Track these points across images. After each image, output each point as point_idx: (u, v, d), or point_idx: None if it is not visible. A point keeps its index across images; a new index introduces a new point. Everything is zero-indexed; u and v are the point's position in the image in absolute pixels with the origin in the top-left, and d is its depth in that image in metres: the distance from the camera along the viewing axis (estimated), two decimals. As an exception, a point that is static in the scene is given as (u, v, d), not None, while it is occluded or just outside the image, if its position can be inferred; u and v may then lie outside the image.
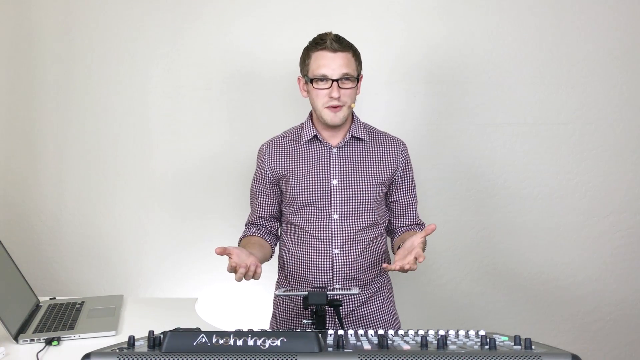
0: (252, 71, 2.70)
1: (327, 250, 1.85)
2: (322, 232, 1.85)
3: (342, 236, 1.85)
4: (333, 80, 1.76)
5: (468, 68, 2.65)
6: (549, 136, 2.66)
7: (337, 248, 1.85)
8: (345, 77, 1.78)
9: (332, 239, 1.85)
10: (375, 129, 1.97)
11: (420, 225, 2.02)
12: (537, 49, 2.63)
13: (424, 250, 1.66)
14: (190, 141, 2.76)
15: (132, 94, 2.75)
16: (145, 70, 2.74)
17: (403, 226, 1.99)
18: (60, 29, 2.75)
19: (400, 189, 1.95)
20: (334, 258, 1.85)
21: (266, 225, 1.98)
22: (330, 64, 1.77)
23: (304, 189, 1.85)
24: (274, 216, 1.97)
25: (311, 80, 1.79)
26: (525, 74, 2.64)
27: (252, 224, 1.99)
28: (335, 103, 1.78)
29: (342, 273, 1.85)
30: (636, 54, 2.61)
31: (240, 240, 1.98)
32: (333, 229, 1.84)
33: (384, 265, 1.65)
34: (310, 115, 1.92)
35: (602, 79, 2.63)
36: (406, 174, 1.96)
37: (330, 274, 1.85)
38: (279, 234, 2.02)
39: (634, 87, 2.62)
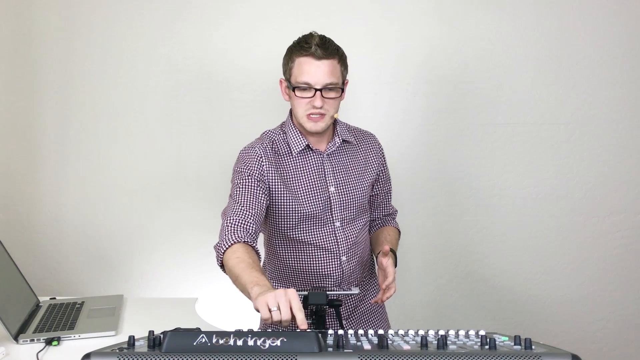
0: (252, 71, 2.70)
1: (334, 258, 1.81)
2: (328, 241, 1.81)
3: (347, 241, 1.82)
4: (316, 90, 1.68)
5: (468, 68, 2.65)
6: (549, 136, 2.66)
7: (344, 254, 1.82)
8: (329, 87, 1.69)
9: (338, 247, 1.81)
10: (350, 125, 1.93)
11: (391, 215, 2.02)
12: (537, 49, 2.63)
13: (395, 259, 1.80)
14: (190, 141, 2.76)
15: (133, 94, 2.75)
16: (145, 70, 2.74)
17: (377, 218, 2.00)
18: (60, 29, 2.75)
19: (379, 181, 1.96)
20: (342, 265, 1.82)
21: (255, 231, 1.64)
22: (315, 71, 1.67)
23: (305, 201, 1.78)
24: (262, 224, 1.73)
25: (293, 88, 1.71)
26: (525, 74, 2.64)
27: (241, 225, 1.61)
28: (317, 111, 1.70)
29: (348, 277, 1.84)
30: (636, 54, 2.61)
31: (228, 248, 1.55)
32: (338, 237, 1.81)
33: (373, 301, 1.74)
34: (291, 120, 1.82)
35: (602, 79, 2.63)
36: (385, 167, 1.97)
37: (339, 280, 1.83)
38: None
39: (634, 87, 2.62)
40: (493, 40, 2.64)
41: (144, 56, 2.73)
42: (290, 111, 1.82)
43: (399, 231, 2.02)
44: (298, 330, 1.21)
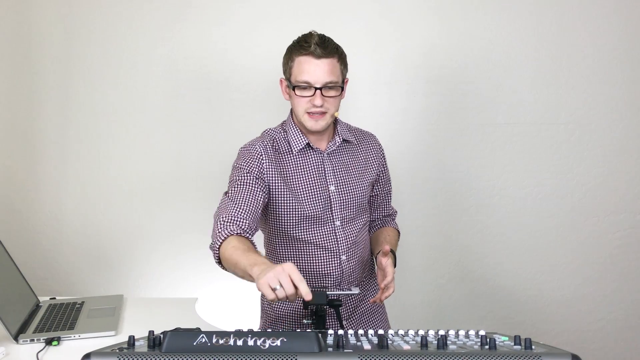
0: (252, 71, 2.70)
1: (334, 257, 1.81)
2: (328, 240, 1.81)
3: (347, 241, 1.82)
4: (316, 88, 1.68)
5: (468, 68, 2.65)
6: (549, 136, 2.66)
7: (344, 254, 1.82)
8: (329, 86, 1.70)
9: (338, 246, 1.81)
10: (351, 125, 1.94)
11: (390, 215, 2.03)
12: (537, 49, 2.63)
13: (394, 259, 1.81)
14: (190, 141, 2.76)
15: (133, 94, 2.75)
16: (145, 70, 2.74)
17: (377, 218, 2.01)
18: (60, 29, 2.75)
19: (379, 182, 1.96)
20: (342, 264, 1.82)
21: (249, 227, 1.62)
22: (315, 70, 1.67)
23: (305, 200, 1.78)
24: (257, 221, 1.69)
25: (293, 87, 1.72)
26: (525, 74, 2.64)
27: (234, 222, 1.60)
28: (317, 110, 1.71)
29: (348, 277, 1.84)
30: (636, 54, 2.61)
31: (223, 240, 1.56)
32: (338, 236, 1.82)
33: (371, 301, 1.74)
34: (292, 118, 1.83)
35: (602, 79, 2.63)
36: (385, 168, 1.98)
37: (339, 280, 1.83)
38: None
39: (634, 87, 2.62)
40: (493, 40, 2.64)
41: (144, 56, 2.73)
42: (291, 110, 1.82)
43: (399, 232, 2.03)
44: (298, 330, 1.21)
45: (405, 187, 2.66)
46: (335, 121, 1.84)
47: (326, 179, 1.81)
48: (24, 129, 2.80)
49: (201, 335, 1.02)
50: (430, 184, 2.70)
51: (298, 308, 1.86)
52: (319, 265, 1.81)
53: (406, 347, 1.07)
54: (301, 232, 1.80)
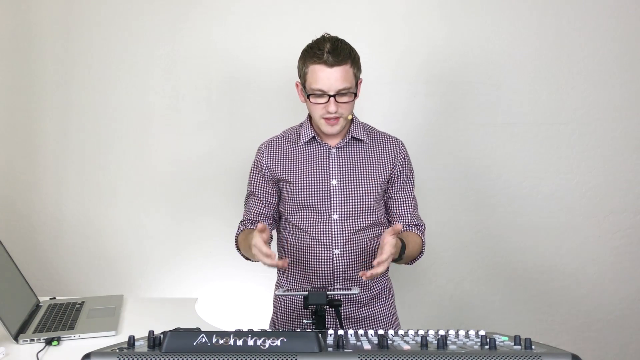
0: (252, 71, 2.70)
1: (327, 250, 1.84)
2: (322, 232, 1.84)
3: (342, 236, 1.84)
4: (330, 96, 1.74)
5: (468, 68, 2.65)
6: (549, 136, 2.66)
7: (337, 248, 1.84)
8: (342, 92, 1.75)
9: (332, 239, 1.84)
10: (375, 128, 1.96)
11: (417, 226, 1.95)
12: (537, 49, 2.63)
13: (404, 251, 1.73)
14: (190, 141, 2.76)
15: (132, 94, 2.76)
16: (145, 70, 2.74)
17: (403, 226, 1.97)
18: (60, 29, 2.75)
19: (395, 185, 1.92)
20: (334, 258, 1.84)
21: (264, 221, 1.93)
22: (328, 77, 1.73)
23: (304, 189, 1.84)
24: (272, 216, 1.94)
25: (308, 95, 1.78)
26: (525, 74, 2.64)
27: (249, 221, 1.93)
28: (331, 116, 1.77)
29: (342, 273, 1.85)
30: (636, 54, 2.61)
31: (237, 236, 1.93)
32: (333, 229, 1.84)
33: (361, 274, 1.60)
34: (309, 115, 1.91)
35: (602, 79, 2.63)
36: (403, 171, 1.93)
37: (331, 274, 1.85)
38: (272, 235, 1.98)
39: (634, 87, 2.62)
40: (493, 40, 2.64)
41: (144, 56, 2.74)
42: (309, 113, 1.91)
43: (423, 242, 1.94)
44: (298, 330, 1.21)
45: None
46: (351, 120, 1.88)
47: (329, 173, 1.85)
48: (24, 129, 2.80)
49: (201, 335, 1.02)
50: (430, 185, 2.69)
51: (302, 305, 1.87)
52: (309, 255, 1.85)
53: (406, 347, 1.07)
54: (297, 219, 1.87)
